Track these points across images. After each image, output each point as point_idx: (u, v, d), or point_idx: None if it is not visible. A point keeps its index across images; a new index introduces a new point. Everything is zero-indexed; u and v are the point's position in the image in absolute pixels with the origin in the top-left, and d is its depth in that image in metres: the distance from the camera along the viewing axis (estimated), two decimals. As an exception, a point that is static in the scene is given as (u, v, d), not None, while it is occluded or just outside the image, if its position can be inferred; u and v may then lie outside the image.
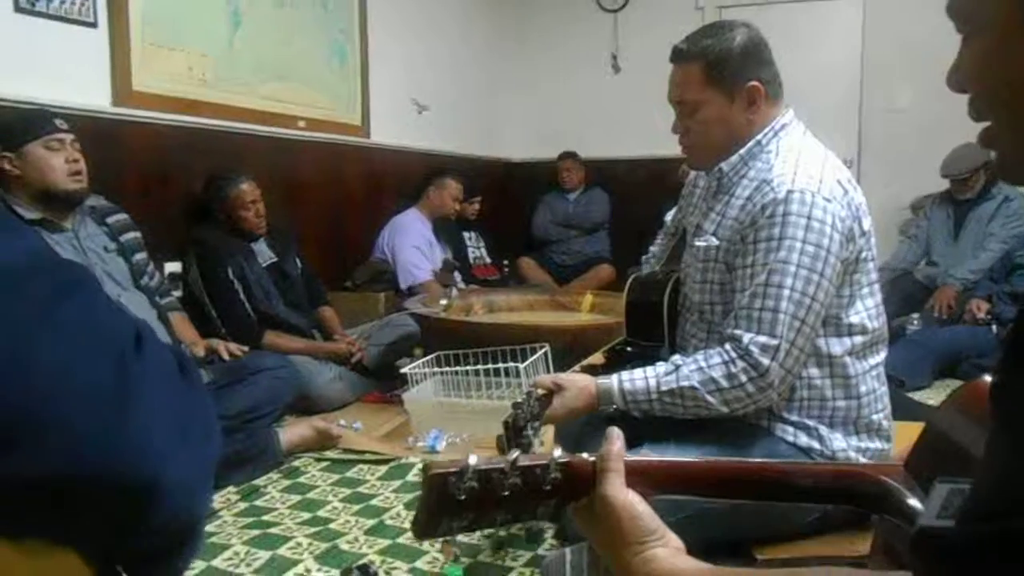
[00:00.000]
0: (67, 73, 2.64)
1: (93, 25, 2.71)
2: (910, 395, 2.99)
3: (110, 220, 2.46)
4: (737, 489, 0.80)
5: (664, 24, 5.45)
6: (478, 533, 1.75)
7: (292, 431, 2.48)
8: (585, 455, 0.76)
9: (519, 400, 1.41)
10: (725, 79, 1.56)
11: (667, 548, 0.72)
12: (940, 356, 3.31)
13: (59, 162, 2.19)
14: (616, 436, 0.76)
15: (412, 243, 4.00)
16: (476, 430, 2.44)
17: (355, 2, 4.14)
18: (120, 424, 0.47)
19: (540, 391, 1.54)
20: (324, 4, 3.91)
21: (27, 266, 0.48)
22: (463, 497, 0.68)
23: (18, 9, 2.46)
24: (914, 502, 0.72)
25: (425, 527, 0.70)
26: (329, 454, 2.48)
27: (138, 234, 2.54)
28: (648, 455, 0.81)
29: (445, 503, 0.68)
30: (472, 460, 0.69)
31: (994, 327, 3.40)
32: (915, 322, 3.70)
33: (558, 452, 0.74)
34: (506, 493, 0.70)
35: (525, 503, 0.71)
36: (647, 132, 5.47)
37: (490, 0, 5.76)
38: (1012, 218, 3.74)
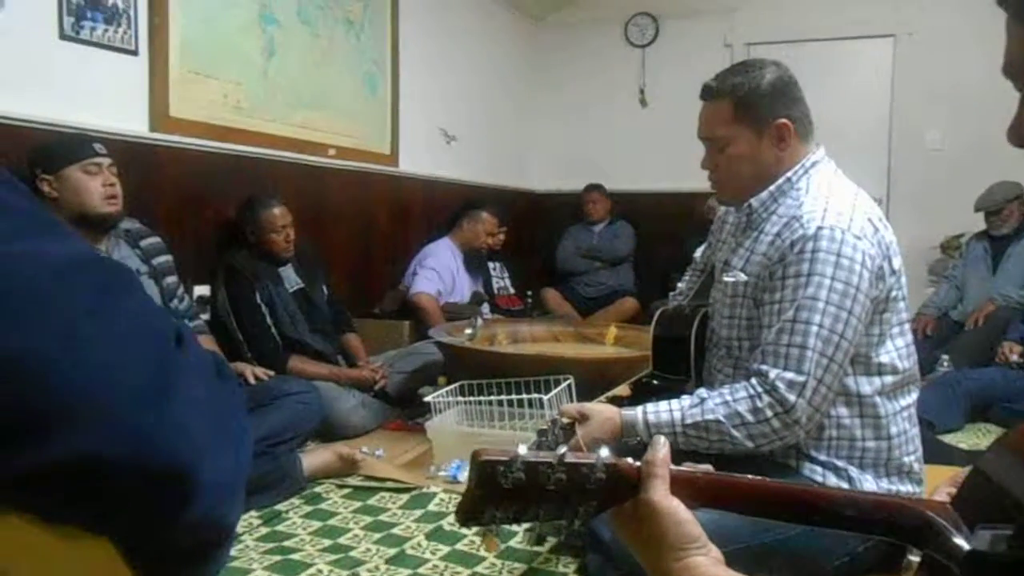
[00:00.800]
0: (108, 99, 2.71)
1: (134, 53, 2.78)
2: (940, 438, 2.93)
3: (143, 243, 2.50)
4: (779, 509, 0.79)
5: (692, 60, 5.51)
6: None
7: (315, 457, 2.48)
8: (630, 460, 0.76)
9: (543, 427, 1.41)
10: (754, 116, 1.58)
11: (708, 557, 0.72)
12: (972, 398, 3.25)
13: (96, 186, 2.24)
14: (662, 443, 0.76)
15: (434, 265, 4.01)
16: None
17: (387, 33, 4.22)
18: (159, 411, 0.47)
19: (565, 420, 1.54)
20: (357, 35, 3.99)
21: (76, 262, 0.49)
22: (509, 486, 0.69)
23: (63, 36, 2.54)
24: (960, 540, 0.70)
25: (468, 513, 0.70)
26: (351, 481, 2.47)
27: (169, 257, 2.58)
28: (694, 466, 0.80)
29: (491, 491, 0.69)
30: (521, 450, 0.70)
31: (1027, 370, 3.33)
32: (945, 363, 3.65)
33: (605, 452, 0.74)
34: (551, 488, 0.70)
35: (568, 500, 0.72)
36: (673, 166, 5.49)
37: (520, 33, 5.85)
38: None
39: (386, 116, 4.25)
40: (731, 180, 1.65)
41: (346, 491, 2.41)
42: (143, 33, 2.81)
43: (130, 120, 2.79)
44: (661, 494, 0.73)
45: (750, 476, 0.78)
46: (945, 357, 3.67)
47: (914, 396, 1.61)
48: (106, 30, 2.67)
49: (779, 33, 5.39)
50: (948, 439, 2.99)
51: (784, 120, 1.57)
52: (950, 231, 4.79)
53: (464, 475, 2.46)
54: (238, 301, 2.94)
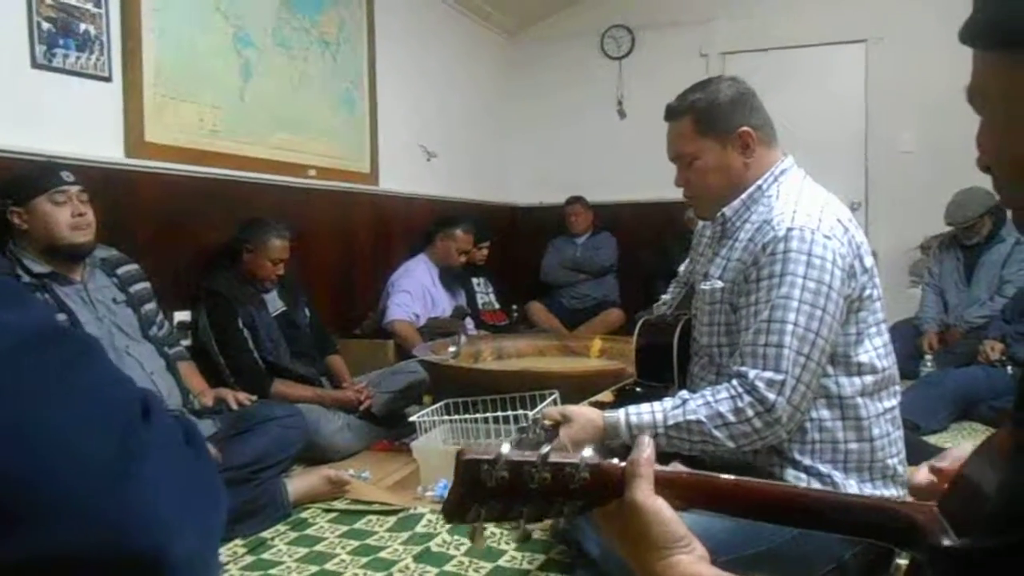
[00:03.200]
0: (82, 126, 2.69)
1: (108, 79, 2.76)
2: (926, 439, 2.94)
3: (120, 271, 2.47)
4: (763, 510, 0.79)
5: (668, 71, 5.55)
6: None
7: (300, 481, 2.46)
8: (615, 460, 0.76)
9: (524, 425, 1.41)
10: (716, 128, 1.61)
11: (691, 555, 0.72)
12: (956, 398, 3.27)
13: (64, 216, 2.21)
14: (647, 443, 0.76)
15: (405, 287, 3.99)
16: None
17: (364, 53, 4.23)
18: (123, 495, 0.46)
19: (547, 422, 1.54)
20: (333, 55, 3.99)
21: (34, 338, 0.48)
22: (493, 485, 0.69)
23: (35, 65, 2.52)
24: (947, 542, 0.70)
25: (454, 511, 0.71)
26: (337, 505, 2.45)
27: (147, 284, 2.56)
28: (678, 466, 0.79)
29: (476, 489, 0.69)
30: (505, 449, 0.70)
31: (1009, 368, 3.35)
32: (928, 363, 3.67)
33: (589, 452, 0.73)
34: (535, 487, 0.70)
35: (552, 500, 0.72)
36: (653, 177, 5.48)
37: (497, 48, 5.87)
38: None
39: (365, 135, 4.25)
40: (705, 193, 1.68)
41: (332, 515, 2.38)
42: (116, 59, 2.79)
43: (105, 147, 2.77)
44: (645, 494, 0.73)
45: (734, 476, 0.78)
46: (929, 357, 3.69)
47: (896, 399, 1.62)
48: (79, 57, 2.66)
49: (753, 42, 5.45)
50: (933, 440, 3.00)
51: (746, 128, 1.60)
52: (929, 232, 4.82)
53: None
54: (220, 326, 2.92)
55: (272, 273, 3.06)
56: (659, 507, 0.73)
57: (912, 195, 5.03)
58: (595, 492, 0.73)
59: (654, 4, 5.69)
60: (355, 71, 4.17)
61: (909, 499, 1.63)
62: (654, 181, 5.57)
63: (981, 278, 3.89)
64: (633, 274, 5.41)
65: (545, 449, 0.71)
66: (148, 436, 0.49)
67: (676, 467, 0.79)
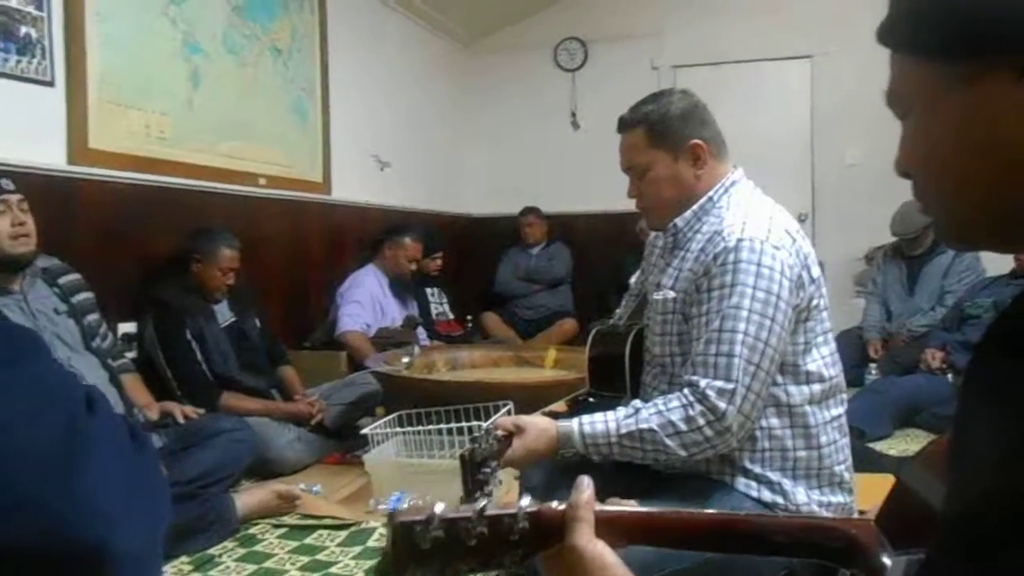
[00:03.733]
0: (22, 132, 2.61)
1: (50, 84, 2.69)
2: (871, 445, 3.01)
3: (61, 281, 2.40)
4: (706, 541, 0.80)
5: (621, 83, 5.61)
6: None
7: (250, 496, 2.41)
8: (554, 504, 0.75)
9: (477, 435, 1.40)
10: (668, 140, 1.63)
11: None
12: (900, 406, 3.35)
13: (3, 225, 2.13)
14: (586, 485, 0.75)
15: (356, 297, 3.92)
16: (440, 491, 2.39)
17: (316, 61, 4.19)
18: (68, 489, 0.46)
19: (500, 432, 1.52)
20: (285, 62, 3.94)
21: None
22: (428, 546, 0.67)
23: (-28, 69, 2.44)
24: (886, 559, 0.72)
25: (389, 573, 0.69)
26: (287, 520, 2.40)
27: (91, 295, 2.49)
28: (618, 503, 0.79)
29: (410, 552, 0.67)
30: (439, 509, 0.68)
31: (950, 376, 3.45)
32: (873, 371, 3.76)
33: (526, 501, 0.72)
34: (473, 543, 0.69)
35: (492, 553, 0.70)
36: (607, 187, 5.51)
37: (451, 58, 5.87)
38: (966, 273, 3.87)
39: (317, 144, 4.21)
40: (656, 204, 1.70)
41: (282, 531, 2.34)
42: (60, 63, 2.72)
43: (47, 153, 2.69)
44: (586, 539, 0.72)
45: (677, 509, 0.78)
46: (873, 366, 3.78)
47: (843, 407, 1.65)
48: (19, 61, 2.58)
49: (704, 56, 5.55)
50: (878, 446, 3.07)
51: (698, 141, 1.63)
52: (873, 243, 4.96)
53: (405, 507, 2.43)
54: (167, 338, 2.85)
55: (222, 284, 3.00)
56: (599, 552, 0.72)
57: (857, 207, 5.16)
58: (536, 539, 0.72)
59: (607, 18, 5.76)
60: (307, 79, 4.12)
61: (855, 506, 1.67)
62: (608, 192, 5.60)
63: (923, 288, 4.01)
64: (587, 284, 5.45)
65: (480, 504, 0.70)
66: (93, 429, 0.49)
67: (616, 502, 0.79)
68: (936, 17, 0.59)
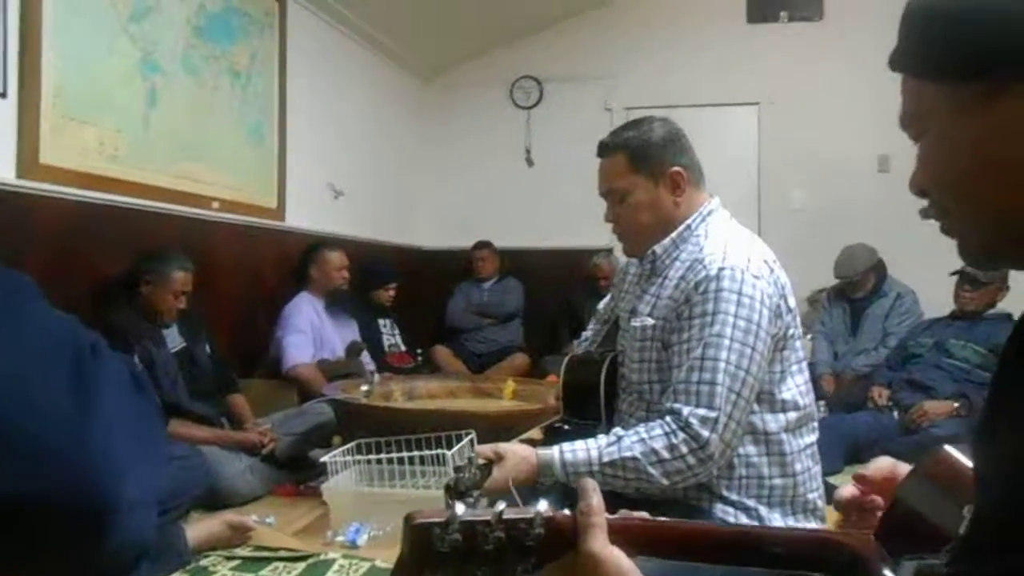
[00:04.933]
0: (-32, 143, 2.50)
1: (2, 95, 2.59)
2: (825, 478, 3.06)
3: (7, 298, 2.29)
4: (714, 552, 0.79)
5: (575, 122, 5.73)
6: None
7: (200, 527, 2.31)
8: (566, 511, 0.72)
9: (460, 464, 1.37)
10: (649, 165, 1.65)
11: None
12: (848, 442, 3.43)
13: None
14: (592, 488, 0.73)
15: (298, 327, 3.73)
16: (401, 522, 2.33)
17: (275, 86, 4.15)
18: (80, 437, 0.44)
19: (481, 460, 1.49)
20: (243, 86, 3.89)
21: None
22: (446, 550, 0.65)
23: (-80, 75, 2.34)
24: (888, 573, 0.72)
25: None
26: (240, 552, 2.31)
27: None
28: (629, 515, 0.78)
29: (426, 556, 0.65)
30: (459, 510, 0.66)
31: (895, 412, 3.55)
32: (821, 408, 3.84)
33: (543, 506, 0.70)
34: (489, 547, 0.66)
35: (506, 560, 0.68)
36: (560, 224, 5.63)
37: (408, 92, 5.90)
38: (906, 316, 4.02)
39: (273, 169, 4.15)
40: (634, 229, 1.71)
41: (235, 563, 2.24)
42: (13, 74, 2.62)
43: (-6, 166, 2.59)
44: (600, 543, 0.69)
45: (685, 520, 0.78)
46: (822, 403, 3.87)
47: (815, 435, 1.68)
48: (-31, 70, 2.48)
49: (656, 99, 5.68)
50: (829, 480, 3.12)
51: (678, 168, 1.66)
52: (815, 285, 5.11)
53: (364, 538, 2.36)
54: (113, 361, 2.73)
55: (173, 307, 2.91)
56: (616, 556, 0.69)
57: (802, 250, 5.29)
58: (549, 547, 0.70)
59: (562, 59, 5.87)
60: (265, 104, 4.08)
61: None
62: (560, 228, 5.72)
63: (866, 329, 4.14)
64: (538, 319, 5.46)
65: (500, 506, 0.68)
66: (100, 374, 0.48)
67: (624, 513, 0.78)
68: (947, 41, 0.60)
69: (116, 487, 0.45)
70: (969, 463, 0.70)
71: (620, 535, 0.72)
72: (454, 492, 1.30)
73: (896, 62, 0.66)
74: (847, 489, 0.87)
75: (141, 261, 2.91)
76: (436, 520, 0.65)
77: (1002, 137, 0.58)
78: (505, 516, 0.67)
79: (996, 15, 0.57)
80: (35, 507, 0.43)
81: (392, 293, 4.65)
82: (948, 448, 0.75)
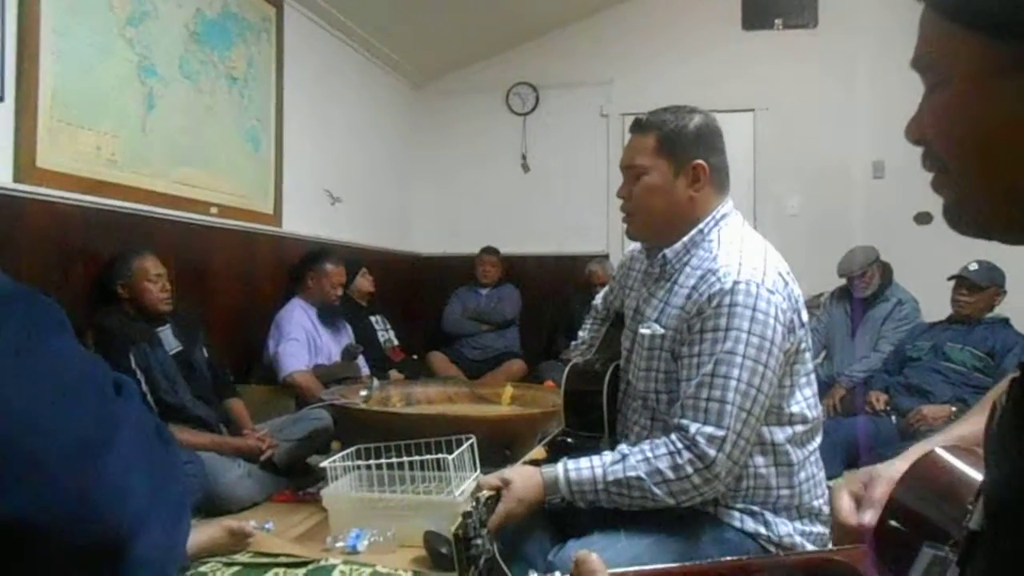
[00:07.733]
0: (-35, 147, 2.49)
1: (0, 99, 2.58)
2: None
3: (4, 302, 2.27)
4: None
5: (571, 128, 5.74)
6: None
7: (199, 533, 2.28)
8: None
9: (468, 509, 1.33)
10: (674, 152, 1.62)
11: None
12: (847, 447, 3.42)
13: None
14: (586, 553, 0.74)
15: (292, 335, 3.69)
16: (402, 527, 2.32)
17: (272, 92, 4.14)
18: (97, 469, 0.43)
19: (486, 492, 1.47)
20: (241, 92, 3.88)
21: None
22: None
23: (-83, 78, 2.32)
24: None
25: None
26: (239, 558, 2.29)
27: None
28: (624, 568, 0.78)
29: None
30: None
31: (893, 417, 3.56)
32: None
33: None
34: None
35: None
36: (556, 230, 5.64)
37: (405, 98, 5.90)
38: (903, 322, 4.02)
39: (269, 175, 4.13)
40: (642, 211, 1.67)
41: (234, 569, 2.22)
42: (10, 78, 2.61)
43: (-9, 170, 2.57)
44: None
45: (683, 563, 0.78)
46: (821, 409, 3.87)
47: (818, 440, 1.67)
48: (-33, 74, 2.47)
49: (651, 104, 5.53)
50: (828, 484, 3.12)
51: (702, 162, 1.62)
52: (812, 291, 5.12)
53: (364, 544, 2.34)
54: (110, 365, 2.71)
55: (158, 294, 2.87)
56: None
57: (797, 256, 5.28)
58: None
59: (558, 65, 5.88)
60: (262, 109, 4.07)
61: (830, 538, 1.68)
62: (556, 234, 5.72)
63: (864, 334, 4.14)
64: (534, 326, 5.46)
65: None
66: (123, 414, 0.46)
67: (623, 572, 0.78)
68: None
69: (129, 528, 0.44)
70: (959, 463, 0.70)
71: None
72: (462, 540, 1.26)
73: None
74: (845, 502, 0.85)
75: (107, 271, 2.88)
76: None
77: None
78: None
79: None
80: (44, 535, 0.41)
81: (370, 279, 4.59)
82: (938, 450, 0.75)
